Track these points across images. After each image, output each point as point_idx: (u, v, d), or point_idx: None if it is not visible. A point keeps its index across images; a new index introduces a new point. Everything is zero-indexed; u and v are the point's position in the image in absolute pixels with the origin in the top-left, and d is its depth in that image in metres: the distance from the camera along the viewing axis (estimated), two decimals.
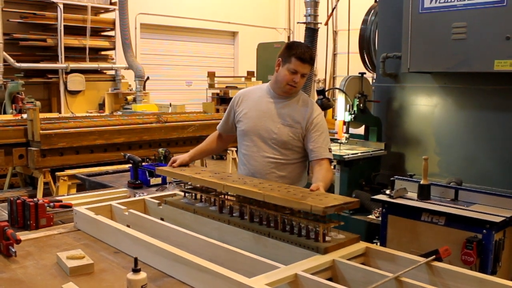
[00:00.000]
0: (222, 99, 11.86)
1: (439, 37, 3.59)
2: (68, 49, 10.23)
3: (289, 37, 15.38)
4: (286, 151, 2.83)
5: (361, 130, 4.68)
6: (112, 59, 11.29)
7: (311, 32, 5.54)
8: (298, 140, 2.81)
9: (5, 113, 8.57)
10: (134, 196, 3.00)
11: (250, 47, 13.78)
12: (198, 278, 1.77)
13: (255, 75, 12.52)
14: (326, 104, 4.08)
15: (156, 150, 4.07)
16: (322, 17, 6.08)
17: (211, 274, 1.71)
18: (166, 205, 2.65)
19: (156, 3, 12.83)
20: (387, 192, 3.23)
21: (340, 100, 4.44)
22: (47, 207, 2.53)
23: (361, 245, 2.05)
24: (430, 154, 3.88)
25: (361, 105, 4.34)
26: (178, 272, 1.86)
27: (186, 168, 2.82)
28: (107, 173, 4.13)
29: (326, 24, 8.64)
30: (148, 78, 10.63)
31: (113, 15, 10.94)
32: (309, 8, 5.65)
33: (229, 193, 2.47)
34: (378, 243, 3.24)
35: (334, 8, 10.16)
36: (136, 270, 1.65)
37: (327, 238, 2.02)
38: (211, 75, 12.09)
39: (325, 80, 13.10)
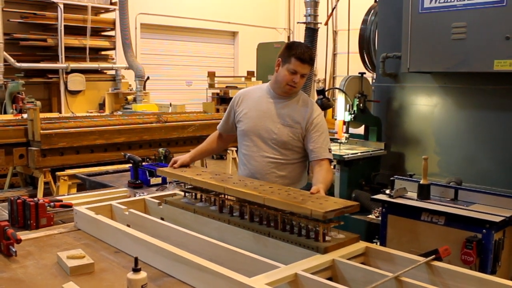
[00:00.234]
0: (222, 99, 11.86)
1: (439, 37, 3.59)
2: (68, 49, 10.23)
3: (289, 37, 15.38)
4: (286, 151, 2.83)
5: (361, 130, 4.69)
6: (112, 59, 11.30)
7: (311, 32, 5.55)
8: (298, 140, 2.81)
9: (5, 113, 8.57)
10: (134, 196, 3.00)
11: (250, 47, 13.78)
12: (198, 278, 1.77)
13: (255, 75, 12.52)
14: (326, 104, 4.08)
15: (156, 150, 4.08)
16: (322, 17, 6.08)
17: (211, 274, 1.72)
18: (166, 205, 2.65)
19: (156, 3, 12.83)
20: (387, 192, 3.24)
21: (340, 100, 4.45)
22: (48, 207, 2.53)
23: (361, 245, 2.05)
24: (430, 154, 3.88)
25: (361, 105, 4.35)
26: (178, 271, 1.86)
27: (187, 169, 2.82)
28: (107, 173, 4.13)
29: (326, 24, 8.65)
30: (148, 78, 10.63)
31: (113, 15, 10.95)
32: (309, 8, 5.66)
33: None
34: (378, 243, 3.24)
35: (334, 8, 10.17)
36: (136, 270, 1.65)
37: (327, 238, 2.02)
38: (211, 75, 12.10)
39: (325, 80, 13.10)
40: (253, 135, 2.87)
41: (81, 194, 3.23)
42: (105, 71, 11.14)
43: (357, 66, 5.96)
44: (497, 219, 2.75)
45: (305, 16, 5.70)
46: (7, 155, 5.02)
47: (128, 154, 3.62)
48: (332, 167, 3.22)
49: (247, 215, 2.28)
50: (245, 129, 2.91)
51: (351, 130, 4.48)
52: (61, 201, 2.72)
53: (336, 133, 4.31)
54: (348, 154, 4.04)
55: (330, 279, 1.82)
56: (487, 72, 3.43)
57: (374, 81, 4.81)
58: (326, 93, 4.26)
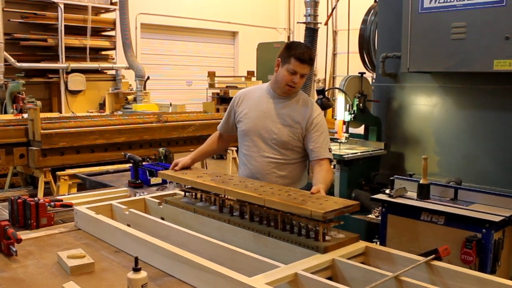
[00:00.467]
0: (222, 99, 11.86)
1: (439, 37, 3.59)
2: (68, 49, 10.24)
3: (289, 37, 15.38)
4: (286, 151, 2.83)
5: (360, 130, 4.69)
6: (113, 59, 11.30)
7: (311, 32, 5.55)
8: (298, 140, 2.82)
9: (6, 112, 8.58)
10: (135, 196, 3.00)
11: (250, 47, 13.78)
12: (198, 277, 1.77)
13: (255, 75, 12.52)
14: (326, 103, 4.09)
15: (157, 149, 4.08)
16: (322, 17, 6.09)
17: (211, 273, 1.72)
18: (167, 205, 2.65)
19: (156, 3, 12.84)
20: (387, 191, 3.24)
21: (340, 100, 4.45)
22: (48, 207, 2.53)
23: (361, 245, 2.05)
24: (429, 154, 3.88)
25: (361, 104, 4.35)
26: (179, 271, 1.86)
27: (188, 171, 2.82)
28: (107, 172, 4.13)
29: (326, 24, 8.66)
30: (148, 78, 10.63)
31: (114, 15, 10.95)
32: (309, 8, 5.66)
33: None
34: (378, 243, 3.25)
35: (334, 8, 10.18)
36: (136, 269, 1.65)
37: (327, 238, 2.02)
38: (211, 75, 12.10)
39: (325, 80, 13.10)
40: (254, 135, 2.87)
41: (82, 193, 3.24)
42: (105, 71, 11.15)
43: (357, 66, 5.97)
44: (497, 218, 2.75)
45: (305, 16, 5.70)
46: (8, 154, 5.03)
47: (129, 154, 3.62)
48: (332, 166, 3.22)
49: (247, 215, 2.28)
50: (245, 129, 2.91)
51: (351, 130, 4.48)
52: (61, 200, 2.73)
53: (336, 133, 4.31)
54: (348, 154, 4.05)
55: (330, 278, 1.83)
56: (487, 72, 3.44)
57: (374, 81, 4.82)
58: (326, 93, 4.27)
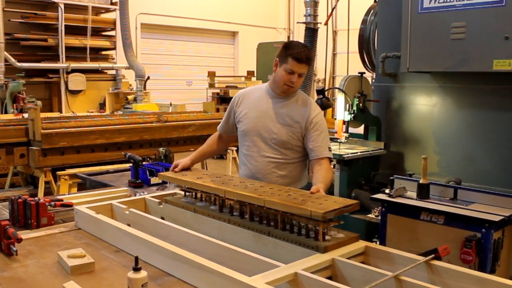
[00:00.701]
0: (222, 99, 11.87)
1: (438, 37, 3.60)
2: (69, 49, 10.24)
3: (289, 37, 15.38)
4: (286, 151, 2.84)
5: (360, 130, 4.70)
6: (113, 58, 11.30)
7: (311, 32, 5.55)
8: (298, 139, 2.82)
9: (6, 112, 8.58)
10: (135, 195, 3.01)
11: (250, 47, 13.78)
12: (198, 277, 1.78)
13: (255, 74, 12.53)
14: (325, 103, 4.09)
15: (157, 149, 4.09)
16: (322, 17, 6.09)
17: (211, 273, 1.72)
18: (167, 204, 2.66)
19: (156, 3, 12.84)
20: (387, 191, 3.24)
21: (340, 100, 4.46)
22: (48, 206, 2.54)
23: (361, 244, 2.06)
24: (429, 154, 3.89)
25: (361, 104, 4.36)
26: (179, 270, 1.87)
27: (188, 173, 2.83)
28: (107, 172, 4.14)
29: (326, 24, 8.66)
30: (148, 77, 10.64)
31: (114, 15, 10.96)
32: (309, 8, 5.66)
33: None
34: (378, 242, 3.25)
35: (334, 8, 10.18)
36: (136, 269, 1.66)
37: (326, 237, 2.03)
38: (211, 74, 12.11)
39: (324, 79, 13.10)
40: (254, 135, 2.87)
41: (82, 193, 3.24)
42: (105, 71, 11.15)
43: (356, 66, 5.97)
44: (496, 218, 2.75)
45: (305, 16, 5.70)
46: (8, 154, 5.03)
47: (129, 154, 3.62)
48: (331, 166, 3.23)
49: (247, 215, 2.28)
50: (245, 130, 2.91)
51: (351, 130, 4.49)
52: (61, 200, 2.73)
53: (336, 132, 4.32)
54: (347, 154, 4.05)
55: (330, 278, 1.83)
56: (486, 72, 3.44)
57: (373, 80, 4.82)
58: (326, 92, 4.27)
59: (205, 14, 13.70)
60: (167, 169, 3.10)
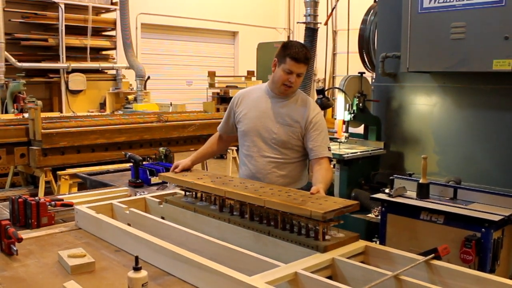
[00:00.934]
0: (223, 99, 11.87)
1: (438, 37, 3.60)
2: (69, 48, 10.24)
3: (289, 37, 15.37)
4: (286, 151, 2.84)
5: (360, 129, 4.70)
6: (113, 58, 11.31)
7: (311, 32, 5.56)
8: (297, 139, 2.82)
9: (6, 112, 8.58)
10: (135, 195, 3.01)
11: (250, 47, 13.78)
12: (198, 277, 1.78)
13: (255, 74, 12.53)
14: (325, 103, 4.10)
15: (157, 149, 4.09)
16: (321, 17, 6.09)
17: (211, 273, 1.72)
18: (167, 204, 2.66)
19: (156, 3, 12.84)
20: (386, 191, 3.24)
21: (340, 100, 4.46)
22: (49, 206, 2.54)
23: (361, 244, 2.06)
24: (429, 153, 3.89)
25: (361, 104, 4.36)
26: (179, 270, 1.87)
27: (188, 173, 2.83)
28: (108, 172, 4.14)
29: (326, 24, 8.67)
30: (148, 77, 10.64)
31: (114, 15, 10.96)
32: (308, 8, 5.66)
33: None
34: (378, 242, 3.25)
35: (334, 8, 10.18)
36: (137, 269, 1.66)
37: (326, 237, 2.03)
38: (212, 74, 12.11)
39: (324, 79, 13.10)
40: (254, 135, 2.88)
41: (82, 193, 3.24)
42: (105, 70, 11.15)
43: (356, 66, 5.97)
44: (496, 218, 2.76)
45: (305, 16, 5.70)
46: (8, 154, 5.03)
47: (129, 154, 3.63)
48: (331, 165, 3.23)
49: (247, 214, 2.29)
50: (245, 130, 2.92)
51: (351, 130, 4.49)
52: (62, 200, 2.73)
53: (336, 132, 4.32)
54: (347, 154, 4.05)
55: (329, 277, 1.83)
56: (486, 71, 3.44)
57: (373, 80, 4.82)
58: (326, 92, 4.28)
59: (205, 14, 13.70)
60: (167, 169, 3.10)
